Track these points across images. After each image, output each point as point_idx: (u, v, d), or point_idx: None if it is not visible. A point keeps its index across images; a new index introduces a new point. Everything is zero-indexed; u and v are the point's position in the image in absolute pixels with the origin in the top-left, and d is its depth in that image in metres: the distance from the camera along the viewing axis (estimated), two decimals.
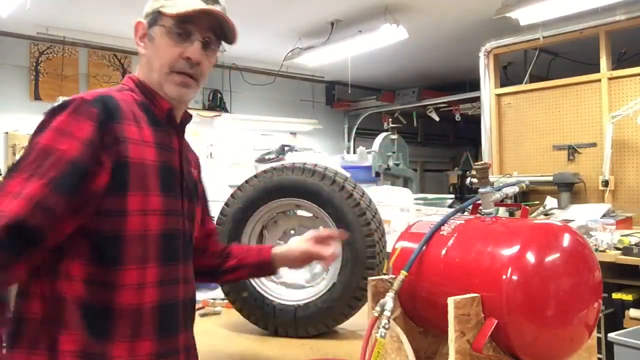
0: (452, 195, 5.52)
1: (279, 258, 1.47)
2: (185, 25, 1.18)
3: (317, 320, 1.79)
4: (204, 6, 1.18)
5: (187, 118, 1.31)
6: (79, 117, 1.05)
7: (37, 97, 5.52)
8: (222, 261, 1.48)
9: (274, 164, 2.00)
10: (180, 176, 1.22)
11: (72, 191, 1.02)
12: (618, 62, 4.51)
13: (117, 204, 1.07)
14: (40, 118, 1.08)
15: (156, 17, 1.20)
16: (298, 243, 1.50)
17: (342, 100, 7.77)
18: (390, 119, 7.38)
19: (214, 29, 1.22)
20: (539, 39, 4.38)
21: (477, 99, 5.22)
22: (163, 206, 1.14)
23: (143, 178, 1.11)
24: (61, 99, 4.35)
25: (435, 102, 7.24)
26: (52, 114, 1.06)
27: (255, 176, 1.87)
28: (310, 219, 1.89)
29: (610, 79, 4.10)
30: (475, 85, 5.23)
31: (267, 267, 1.49)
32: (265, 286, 1.85)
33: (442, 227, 1.24)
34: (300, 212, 1.91)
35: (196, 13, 1.18)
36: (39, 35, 5.32)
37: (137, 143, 1.11)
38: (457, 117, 7.24)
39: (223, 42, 1.28)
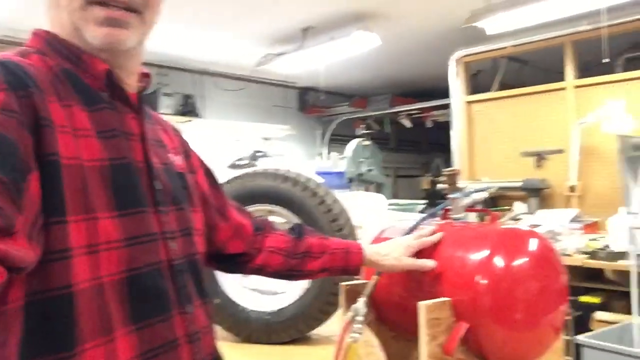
0: (425, 201, 5.58)
1: (368, 263, 1.17)
2: None
3: (291, 327, 1.79)
4: None
5: (145, 82, 0.87)
6: None
7: None
8: (300, 262, 1.12)
9: (246, 170, 2.00)
10: (148, 175, 0.80)
11: (16, 169, 0.61)
12: (583, 70, 4.63)
13: (57, 238, 0.66)
14: None
15: None
16: (395, 252, 1.15)
17: (315, 107, 7.79)
18: (362, 125, 7.43)
19: None
20: (506, 47, 4.48)
21: (448, 105, 5.30)
22: (123, 233, 0.72)
23: (85, 190, 0.69)
24: None
25: (407, 109, 7.31)
26: None
27: (227, 182, 1.87)
28: (283, 225, 1.89)
29: (576, 87, 4.21)
30: (446, 92, 5.31)
31: (353, 272, 1.18)
32: (238, 293, 1.85)
33: (413, 232, 1.25)
34: (272, 218, 1.91)
35: None
36: (5, 38, 5.20)
37: (67, 132, 0.69)
38: (429, 124, 7.33)
39: None
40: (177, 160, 0.92)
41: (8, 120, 0.62)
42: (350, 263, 1.14)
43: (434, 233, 1.19)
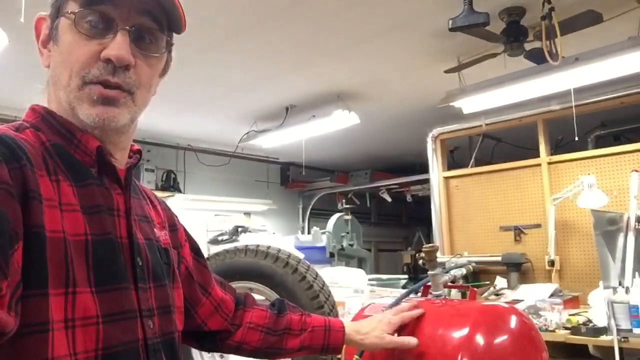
0: (406, 276, 5.56)
1: (349, 342, 1.15)
2: (100, 8, 0.78)
3: None
4: None
5: (135, 159, 0.90)
6: None
7: None
8: (279, 339, 1.11)
9: (226, 246, 2.00)
10: (130, 252, 0.80)
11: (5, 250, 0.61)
12: (556, 147, 4.80)
13: (36, 311, 0.65)
14: None
15: (60, 4, 0.80)
16: (377, 329, 1.13)
17: (297, 181, 7.88)
18: (344, 200, 7.50)
19: (149, 10, 0.80)
20: (481, 125, 4.64)
21: (427, 180, 5.40)
22: (100, 309, 0.71)
23: (67, 264, 0.69)
24: None
25: (387, 184, 7.43)
26: None
27: (207, 259, 1.86)
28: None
29: (549, 163, 4.34)
30: (424, 167, 5.43)
31: (334, 351, 1.15)
32: None
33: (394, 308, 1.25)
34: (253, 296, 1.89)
35: None
36: None
37: (53, 206, 0.70)
38: (408, 198, 7.43)
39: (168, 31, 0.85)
40: (162, 235, 0.93)
41: (3, 195, 0.63)
42: (330, 342, 1.13)
43: (413, 308, 1.19)
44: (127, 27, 0.78)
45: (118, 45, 0.76)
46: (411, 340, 1.11)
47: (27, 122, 0.81)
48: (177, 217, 1.06)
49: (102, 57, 0.77)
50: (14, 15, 2.75)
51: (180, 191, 6.48)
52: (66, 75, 0.78)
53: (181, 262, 1.01)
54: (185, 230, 1.08)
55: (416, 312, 1.18)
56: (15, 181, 0.66)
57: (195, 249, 1.09)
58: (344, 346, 1.18)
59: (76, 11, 0.77)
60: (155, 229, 0.91)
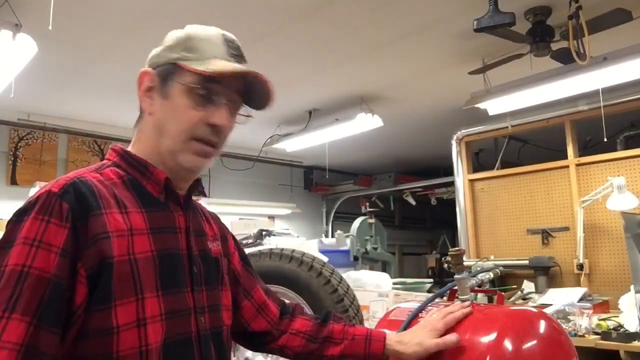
0: (431, 280, 5.50)
1: (391, 353, 1.14)
2: (211, 85, 0.98)
3: None
4: (239, 67, 1.00)
5: (196, 187, 1.10)
6: (49, 218, 0.84)
7: (13, 182, 5.49)
8: (320, 346, 1.17)
9: (251, 250, 2.00)
10: (189, 262, 1.00)
11: (60, 320, 0.82)
12: (584, 149, 4.71)
13: (101, 320, 0.85)
14: (16, 204, 0.92)
15: (172, 70, 0.99)
16: (418, 337, 1.12)
17: (320, 185, 7.88)
18: (367, 203, 7.48)
19: (241, 90, 1.03)
20: (507, 127, 4.57)
21: (452, 183, 5.35)
22: (164, 308, 0.91)
23: (134, 278, 0.88)
24: (38, 185, 4.34)
25: (411, 187, 7.38)
26: (18, 218, 0.85)
27: None
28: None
29: (577, 165, 4.26)
30: (449, 170, 5.37)
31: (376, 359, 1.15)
32: None
33: (420, 314, 1.24)
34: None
35: (232, 75, 0.99)
36: (20, 121, 5.38)
37: (123, 235, 0.90)
38: (433, 201, 7.36)
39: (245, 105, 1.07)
40: (214, 246, 1.11)
41: (64, 262, 0.83)
42: (371, 350, 1.14)
43: (461, 309, 1.16)
44: (227, 102, 1.00)
45: (225, 116, 1.00)
46: (452, 338, 1.08)
47: (110, 160, 1.02)
48: (227, 228, 1.24)
49: (209, 122, 0.98)
50: (43, 24, 2.81)
51: (205, 195, 6.49)
52: (175, 130, 0.98)
53: (230, 268, 1.17)
54: (235, 240, 1.25)
55: (462, 312, 1.15)
56: (85, 232, 0.85)
57: (244, 257, 1.25)
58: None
59: (195, 84, 0.97)
60: (208, 241, 1.09)
